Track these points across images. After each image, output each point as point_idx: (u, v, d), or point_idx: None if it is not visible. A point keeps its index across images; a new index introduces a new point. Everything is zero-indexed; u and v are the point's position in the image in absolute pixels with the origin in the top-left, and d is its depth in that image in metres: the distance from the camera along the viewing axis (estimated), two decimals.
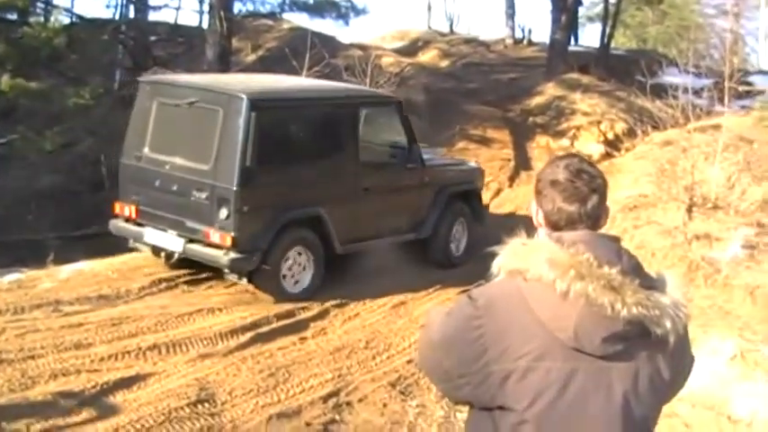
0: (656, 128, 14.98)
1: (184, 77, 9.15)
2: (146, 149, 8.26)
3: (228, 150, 7.64)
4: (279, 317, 7.75)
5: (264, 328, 7.46)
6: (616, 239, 2.29)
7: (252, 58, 20.48)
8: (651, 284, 2.20)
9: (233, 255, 7.72)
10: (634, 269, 2.21)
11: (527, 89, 18.02)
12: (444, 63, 21.25)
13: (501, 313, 2.21)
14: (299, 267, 8.24)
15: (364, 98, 9.16)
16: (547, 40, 19.63)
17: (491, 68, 20.13)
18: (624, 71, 18.55)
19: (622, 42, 28.84)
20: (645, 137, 15.62)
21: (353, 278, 9.11)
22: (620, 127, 16.04)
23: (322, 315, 8.00)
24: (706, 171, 10.45)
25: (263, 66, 17.61)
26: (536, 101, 17.31)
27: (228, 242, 7.68)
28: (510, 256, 2.26)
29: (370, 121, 8.84)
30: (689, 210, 10.00)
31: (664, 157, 12.25)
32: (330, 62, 15.53)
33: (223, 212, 7.66)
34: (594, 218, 2.30)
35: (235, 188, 7.59)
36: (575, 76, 18.16)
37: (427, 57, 21.86)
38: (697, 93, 13.84)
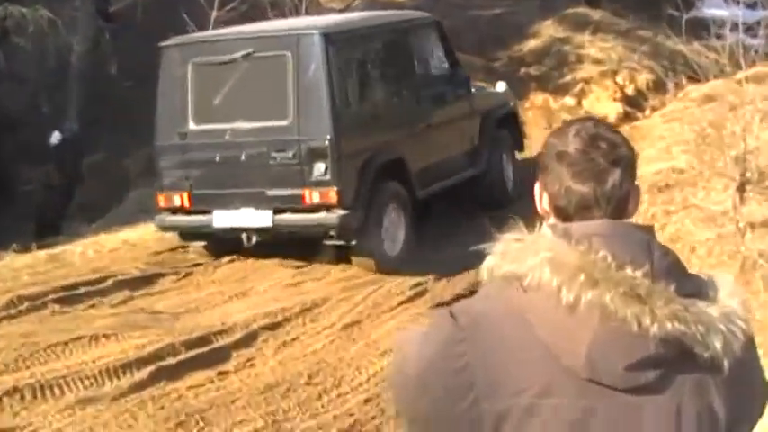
0: (693, 79, 15.17)
1: (221, 31, 10.48)
2: (190, 124, 9.44)
3: (312, 97, 9.00)
4: (188, 344, 7.74)
5: (170, 360, 7.44)
6: (647, 230, 2.27)
7: None
8: (693, 291, 2.19)
9: (341, 212, 9.06)
10: (669, 270, 2.18)
11: (517, 29, 18.10)
12: None
13: (491, 334, 2.20)
14: (393, 226, 9.69)
15: (409, 22, 10.87)
16: None
17: (467, 1, 20.19)
18: (649, 2, 18.74)
19: None
20: (678, 91, 15.77)
21: (289, 286, 9.18)
22: (644, 78, 16.21)
23: (248, 340, 8.01)
24: (763, 136, 10.57)
25: (156, 3, 17.45)
26: (529, 45, 17.41)
27: (334, 198, 9.01)
28: (501, 257, 2.25)
29: (415, 47, 10.50)
30: (740, 189, 10.10)
31: (705, 118, 12.38)
32: None
33: (319, 167, 9.00)
34: (617, 201, 2.27)
35: (329, 137, 8.97)
36: (581, 10, 18.29)
37: None
38: (750, 29, 14.03)
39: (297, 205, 9.14)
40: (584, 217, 2.32)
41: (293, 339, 8.17)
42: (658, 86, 16.18)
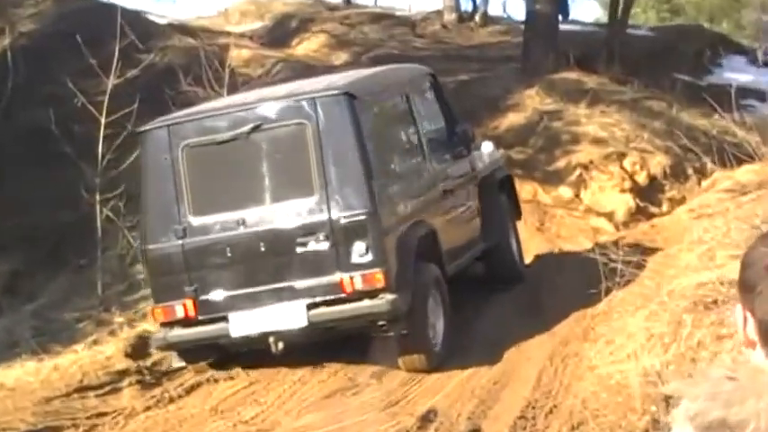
0: (718, 163, 15.37)
1: (213, 105, 11.30)
2: (189, 217, 10.04)
3: (341, 167, 9.87)
4: None
5: None
6: None
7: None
8: None
9: (390, 296, 9.69)
10: None
11: (491, 101, 18.32)
12: (340, 56, 21.51)
13: None
14: (434, 314, 10.41)
15: (415, 77, 12.23)
16: (518, 14, 20.13)
17: (423, 64, 20.40)
18: (655, 65, 19.10)
19: (645, 18, 29.62)
20: (702, 179, 16.00)
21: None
22: (659, 163, 16.47)
23: None
24: None
25: (28, 58, 17.49)
26: (509, 121, 17.64)
27: (381, 281, 9.68)
28: (709, 399, 2.26)
29: (424, 103, 11.77)
30: None
31: (754, 212, 12.49)
32: (148, 57, 15.61)
33: (358, 248, 9.72)
34: None
35: (368, 210, 9.79)
36: (572, 75, 18.69)
37: (309, 47, 22.12)
38: None
39: (334, 295, 9.75)
40: None
41: None
42: (676, 173, 16.38)
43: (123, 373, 10.71)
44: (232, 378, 10.22)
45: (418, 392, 9.95)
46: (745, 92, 16.52)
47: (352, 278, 9.68)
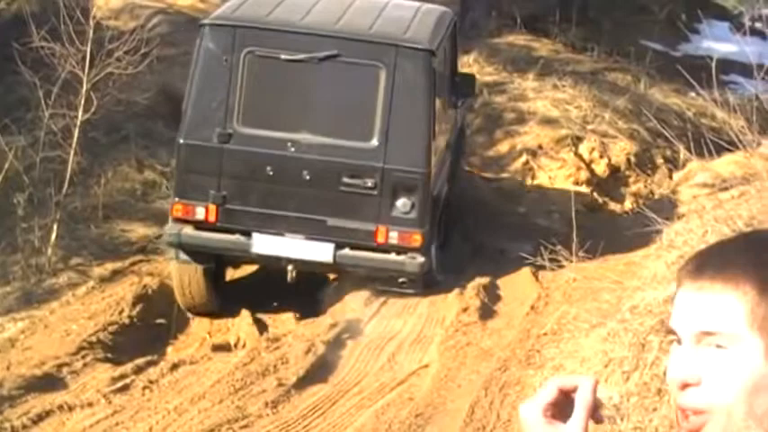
0: (694, 151, 15.45)
1: (285, 16, 12.20)
2: (236, 126, 11.64)
3: (407, 121, 11.63)
4: None
5: None
6: None
7: None
8: None
9: (420, 258, 11.64)
10: None
11: None
12: None
13: None
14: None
15: (449, 22, 13.52)
16: None
17: None
18: (620, 29, 19.17)
19: None
20: (674, 171, 16.06)
21: None
22: (622, 149, 16.58)
23: None
24: None
25: None
26: None
27: (417, 242, 11.59)
28: None
29: (451, 52, 13.62)
30: None
31: (738, 211, 12.50)
32: None
33: (402, 204, 11.61)
34: None
35: (423, 171, 11.62)
36: (519, 39, 18.77)
37: None
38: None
39: (365, 242, 11.66)
40: None
41: None
42: (643, 162, 16.43)
43: None
44: (91, 405, 10.12)
45: (322, 427, 10.00)
46: (727, 65, 16.58)
47: (388, 231, 11.54)
